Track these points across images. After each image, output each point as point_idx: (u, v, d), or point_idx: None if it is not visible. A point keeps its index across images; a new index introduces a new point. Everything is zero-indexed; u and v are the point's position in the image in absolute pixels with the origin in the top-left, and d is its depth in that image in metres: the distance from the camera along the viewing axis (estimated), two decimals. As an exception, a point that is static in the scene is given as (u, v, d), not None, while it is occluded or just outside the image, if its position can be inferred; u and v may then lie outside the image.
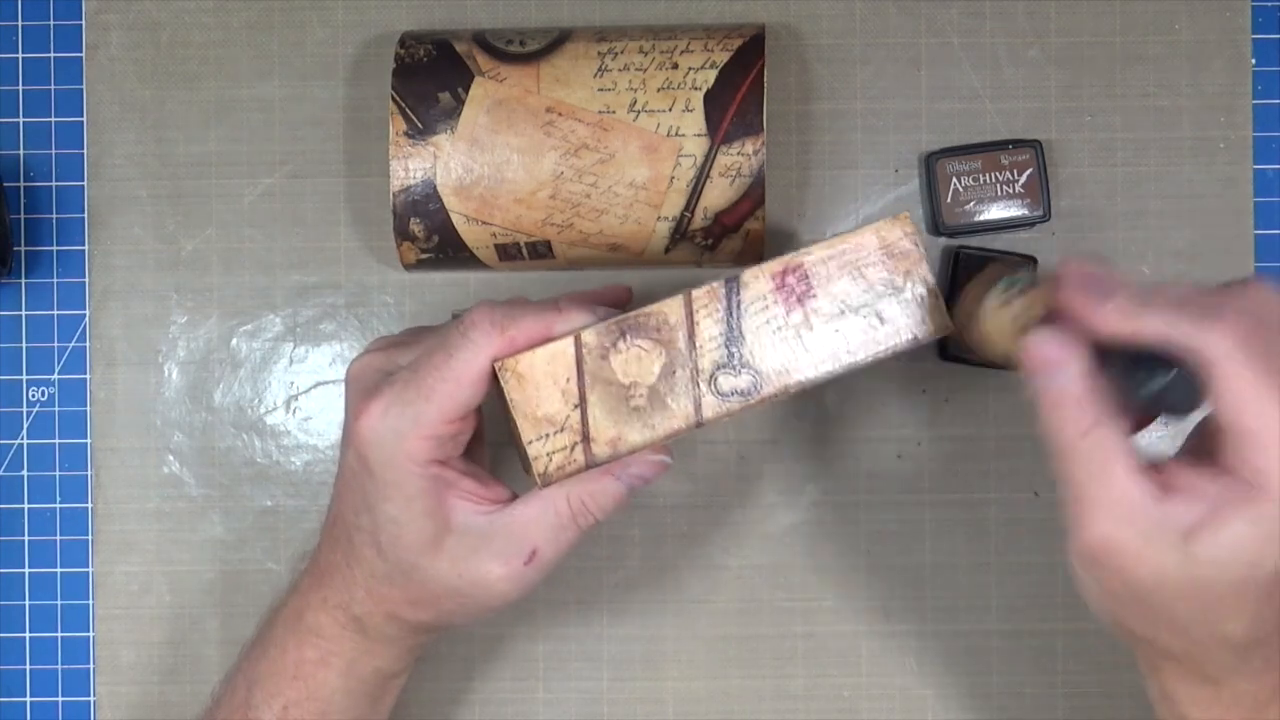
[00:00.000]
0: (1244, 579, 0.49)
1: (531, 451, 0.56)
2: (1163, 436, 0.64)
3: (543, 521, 0.57)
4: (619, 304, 0.58)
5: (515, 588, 0.57)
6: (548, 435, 0.55)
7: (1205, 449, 0.51)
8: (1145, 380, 0.51)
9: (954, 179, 0.69)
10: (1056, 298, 0.52)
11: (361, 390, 0.57)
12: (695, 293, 0.55)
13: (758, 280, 0.55)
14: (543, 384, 0.55)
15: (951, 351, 0.69)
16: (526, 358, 0.55)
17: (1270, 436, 0.48)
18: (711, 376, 0.56)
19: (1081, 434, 0.50)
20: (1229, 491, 0.49)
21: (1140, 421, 0.53)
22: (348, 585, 0.59)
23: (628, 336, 0.55)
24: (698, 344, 0.56)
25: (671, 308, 0.55)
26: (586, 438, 0.56)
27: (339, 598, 0.59)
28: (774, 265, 0.56)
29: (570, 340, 0.55)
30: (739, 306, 0.55)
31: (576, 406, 0.55)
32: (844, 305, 0.56)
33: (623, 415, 0.56)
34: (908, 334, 0.57)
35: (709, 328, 0.55)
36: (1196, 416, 0.52)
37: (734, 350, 0.56)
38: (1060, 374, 0.51)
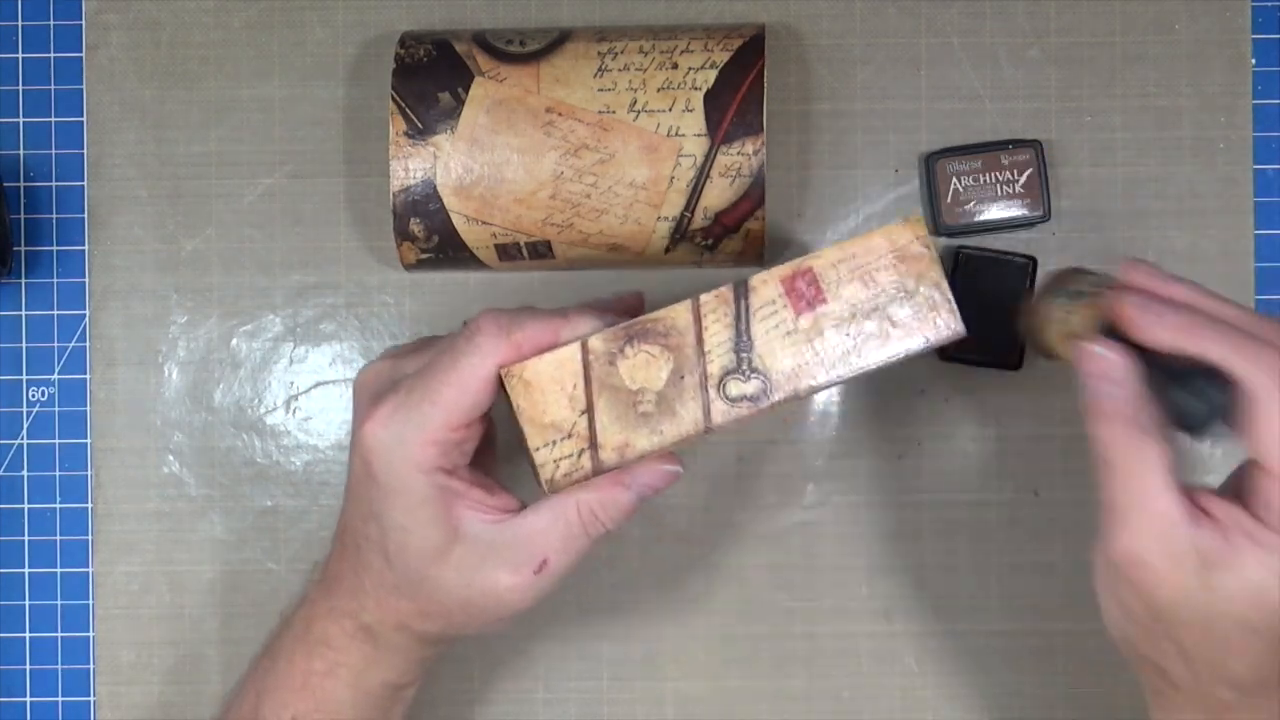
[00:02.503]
0: (1251, 617, 0.50)
1: (538, 458, 0.55)
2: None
3: (553, 531, 0.56)
4: (632, 312, 0.57)
5: (525, 598, 0.57)
6: (554, 442, 0.55)
7: (1242, 486, 0.52)
8: (1175, 392, 0.51)
9: (954, 179, 0.69)
10: (1114, 309, 0.53)
11: (368, 397, 0.57)
12: (704, 297, 0.55)
13: (767, 285, 0.55)
14: (549, 390, 0.54)
15: (951, 351, 0.69)
16: (533, 364, 0.54)
17: None
18: (720, 382, 0.55)
19: (1128, 446, 0.51)
20: (1248, 527, 0.50)
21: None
22: (356, 594, 0.58)
23: (635, 342, 0.54)
24: (706, 349, 0.55)
25: (679, 313, 0.54)
26: (594, 444, 0.55)
27: (347, 606, 0.59)
28: (783, 270, 0.55)
29: (577, 346, 0.54)
30: (748, 311, 0.55)
31: (583, 413, 0.55)
32: (854, 309, 0.56)
33: (630, 421, 0.55)
34: (919, 338, 0.56)
35: (718, 333, 0.55)
36: (1213, 442, 0.53)
37: (743, 355, 0.55)
38: (1115, 386, 0.52)
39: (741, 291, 0.55)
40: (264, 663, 0.61)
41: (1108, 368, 0.52)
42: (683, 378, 0.55)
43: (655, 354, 0.54)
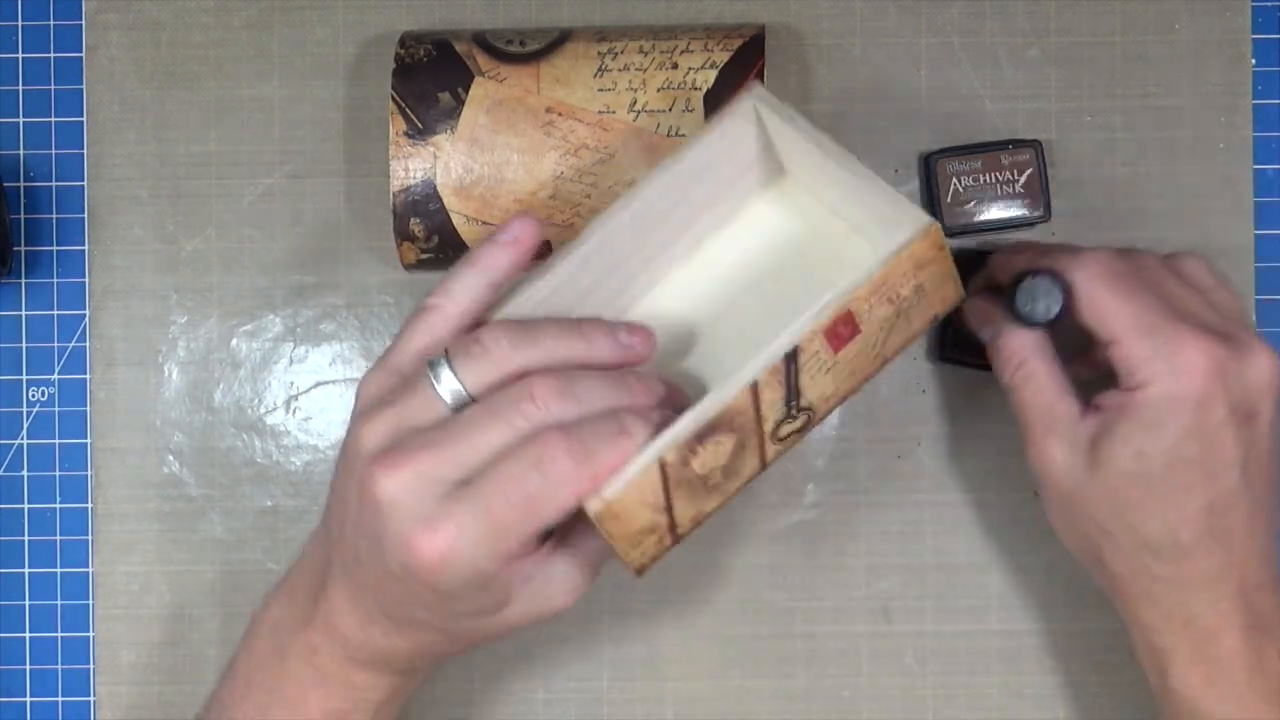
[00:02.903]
0: (1139, 473, 0.58)
1: (629, 560, 0.56)
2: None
3: (569, 579, 0.57)
4: (678, 404, 0.57)
5: (571, 604, 0.58)
6: (640, 542, 0.56)
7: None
8: (1013, 291, 0.60)
9: (954, 179, 0.69)
10: (996, 266, 0.66)
11: (375, 445, 0.54)
12: (760, 379, 0.55)
13: (812, 341, 0.55)
14: (635, 511, 0.55)
15: (950, 353, 0.69)
16: (618, 498, 0.54)
17: (1132, 332, 0.57)
18: (774, 431, 0.57)
19: (1015, 368, 0.61)
20: (1118, 397, 0.58)
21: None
22: (364, 628, 0.57)
23: (704, 438, 0.54)
24: (763, 415, 0.56)
25: (740, 398, 0.54)
26: (673, 527, 0.56)
27: (357, 641, 0.58)
28: (824, 321, 0.55)
29: (655, 467, 0.54)
30: (796, 371, 0.56)
31: (664, 511, 0.55)
32: (883, 326, 0.57)
33: (701, 496, 0.56)
34: (930, 315, 0.59)
35: (772, 400, 0.56)
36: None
37: (791, 404, 0.57)
38: (988, 326, 0.63)
39: (791, 360, 0.55)
40: (258, 695, 0.60)
41: (980, 315, 0.64)
42: (744, 446, 0.56)
43: (721, 440, 0.55)
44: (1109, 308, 0.58)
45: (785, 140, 0.60)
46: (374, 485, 0.53)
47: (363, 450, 0.54)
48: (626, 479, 0.53)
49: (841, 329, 0.55)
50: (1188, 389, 0.57)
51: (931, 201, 0.70)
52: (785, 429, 0.57)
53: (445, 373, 0.54)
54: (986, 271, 0.67)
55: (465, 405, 0.54)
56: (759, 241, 0.63)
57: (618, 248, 0.58)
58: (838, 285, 0.55)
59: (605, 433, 0.53)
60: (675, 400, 0.57)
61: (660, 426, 0.54)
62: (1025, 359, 0.61)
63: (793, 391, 0.56)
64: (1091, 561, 0.62)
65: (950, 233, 0.70)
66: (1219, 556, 0.58)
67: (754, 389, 0.54)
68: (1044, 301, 0.59)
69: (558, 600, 0.57)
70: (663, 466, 0.54)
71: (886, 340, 0.58)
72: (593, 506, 0.53)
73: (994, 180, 0.69)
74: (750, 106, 0.58)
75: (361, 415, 0.56)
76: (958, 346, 0.69)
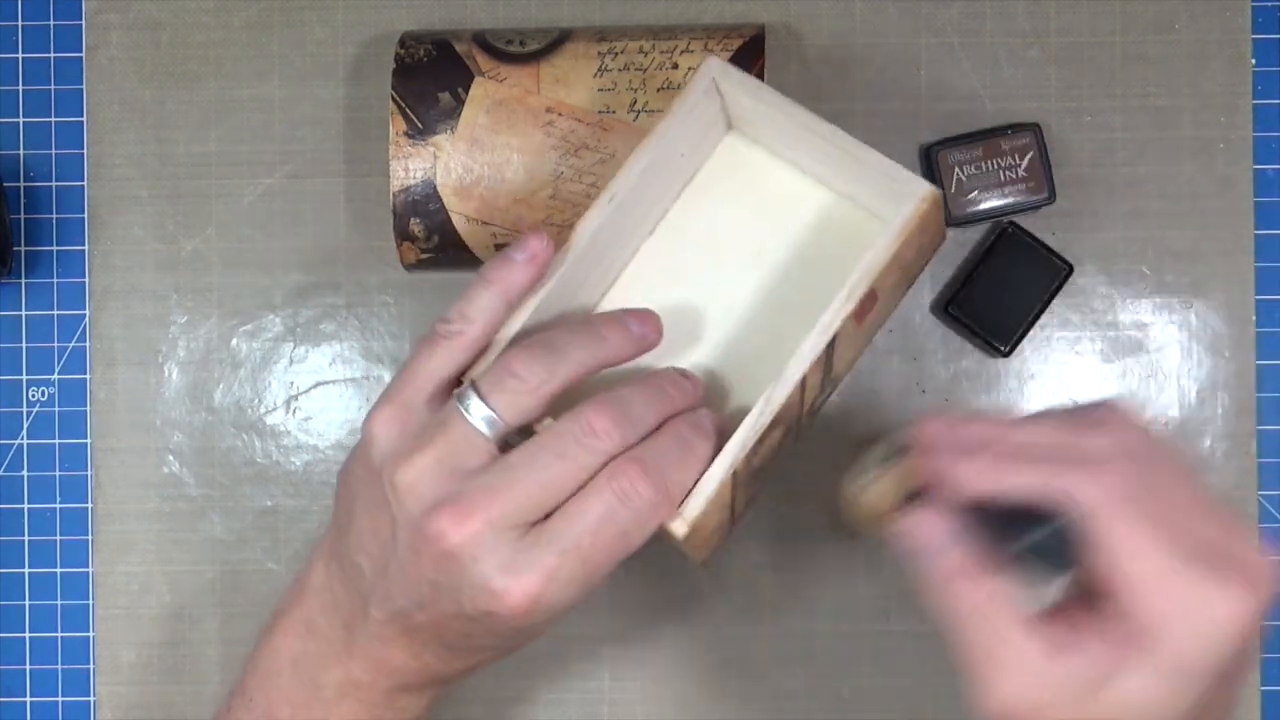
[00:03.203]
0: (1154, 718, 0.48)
1: (697, 558, 0.57)
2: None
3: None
4: (697, 399, 0.57)
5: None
6: (709, 540, 0.57)
7: (1087, 595, 0.50)
8: (1022, 535, 0.49)
9: (956, 169, 0.69)
10: (921, 467, 0.51)
11: (428, 496, 0.53)
12: (808, 376, 0.55)
13: (846, 325, 0.56)
14: (710, 519, 0.55)
15: (952, 310, 0.69)
16: (699, 517, 0.54)
17: (1157, 583, 0.47)
18: (811, 407, 0.58)
19: (973, 603, 0.50)
20: (1126, 642, 0.48)
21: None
22: (413, 655, 0.57)
23: (764, 440, 0.55)
24: (805, 399, 0.57)
25: (791, 394, 0.55)
26: (734, 517, 0.58)
27: (406, 669, 0.57)
28: (853, 304, 0.55)
29: (728, 480, 0.55)
30: (831, 353, 0.56)
31: (729, 507, 0.57)
32: (894, 287, 0.58)
33: (753, 483, 0.58)
34: (924, 262, 0.60)
35: (813, 383, 0.57)
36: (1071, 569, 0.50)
37: (826, 380, 0.58)
38: (938, 552, 0.50)
39: (830, 346, 0.56)
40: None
41: (927, 536, 0.51)
42: (789, 430, 0.57)
43: (775, 433, 0.56)
44: (1130, 552, 0.48)
45: (749, 116, 0.60)
46: (442, 539, 0.52)
47: (411, 502, 0.53)
48: (706, 497, 0.54)
49: (866, 304, 0.56)
50: (1221, 652, 0.48)
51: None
52: (818, 402, 0.59)
53: (477, 404, 0.53)
54: (913, 464, 0.52)
55: (504, 434, 0.54)
56: (719, 202, 0.62)
57: (602, 241, 0.59)
58: (860, 265, 0.55)
59: (673, 452, 0.54)
60: (696, 382, 0.58)
61: (706, 427, 0.55)
62: (991, 591, 0.50)
63: (828, 369, 0.57)
64: None
65: (957, 222, 0.70)
66: None
67: (802, 380, 0.55)
68: (1059, 556, 0.48)
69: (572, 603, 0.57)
70: (733, 475, 0.55)
71: (892, 298, 0.59)
72: (679, 530, 0.54)
73: (996, 166, 0.69)
74: (710, 82, 0.59)
75: (393, 458, 0.54)
76: (962, 306, 0.69)
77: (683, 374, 0.57)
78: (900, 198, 0.56)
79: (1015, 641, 0.49)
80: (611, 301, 0.62)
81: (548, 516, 0.53)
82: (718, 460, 0.54)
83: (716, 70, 0.58)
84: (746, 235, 0.61)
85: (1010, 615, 0.49)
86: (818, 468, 0.71)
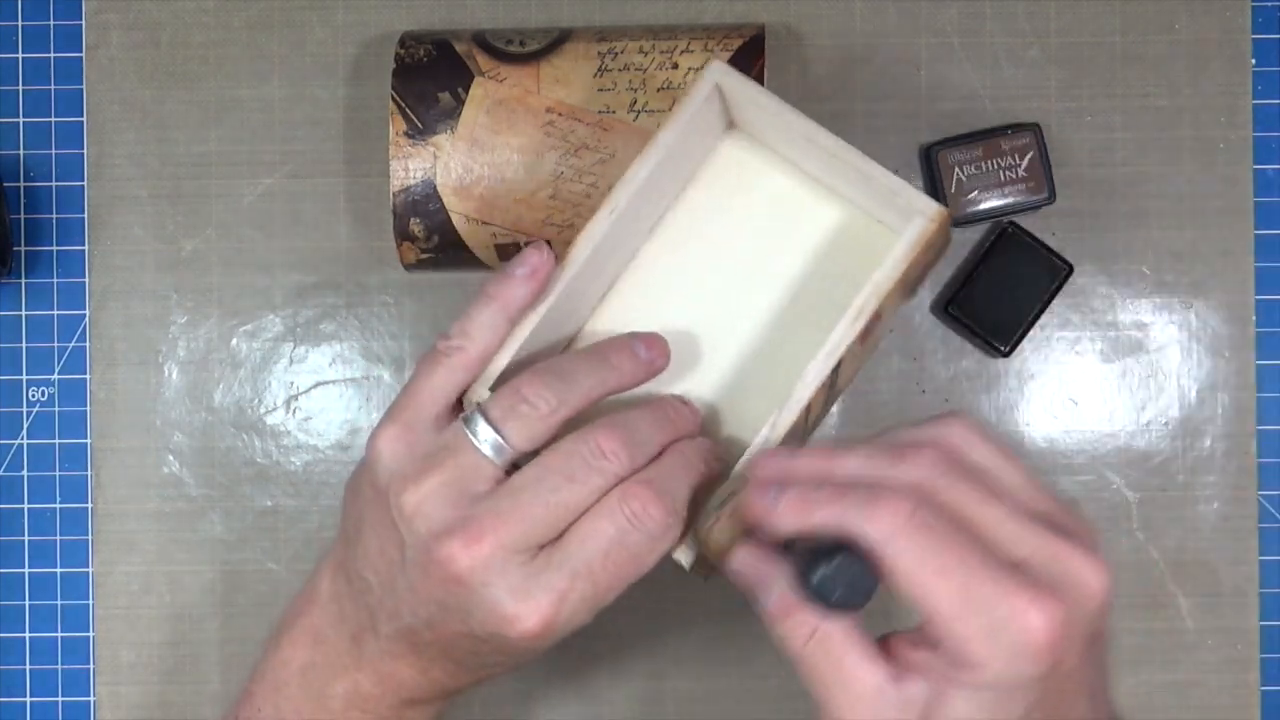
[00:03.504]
0: None
1: (705, 574, 0.57)
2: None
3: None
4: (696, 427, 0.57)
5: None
6: (713, 560, 0.57)
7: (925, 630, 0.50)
8: (811, 571, 0.49)
9: (956, 169, 0.69)
10: (746, 506, 0.51)
11: (440, 521, 0.53)
12: (814, 396, 0.55)
13: (851, 347, 0.56)
14: (718, 545, 0.55)
15: (951, 309, 0.69)
16: (708, 545, 0.54)
17: (955, 609, 0.47)
18: (813, 423, 0.58)
19: (807, 637, 0.50)
20: (945, 667, 0.48)
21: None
22: (420, 668, 0.57)
23: None
24: (810, 418, 0.57)
25: (798, 419, 0.55)
26: (743, 534, 0.58)
27: (410, 685, 0.57)
28: (859, 325, 0.55)
29: (734, 510, 0.54)
30: (836, 374, 0.56)
31: (738, 528, 0.56)
32: (896, 303, 0.58)
33: None
34: (925, 274, 0.60)
35: (817, 403, 0.57)
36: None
37: (829, 398, 0.58)
38: (764, 588, 0.51)
39: (834, 368, 0.55)
40: None
41: (752, 574, 0.51)
42: (794, 445, 0.57)
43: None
44: (925, 582, 0.47)
45: (752, 118, 0.60)
46: (451, 563, 0.52)
47: (419, 525, 0.53)
48: (715, 530, 0.53)
49: (872, 324, 0.56)
50: (1033, 667, 0.47)
51: (935, 193, 0.69)
52: (819, 419, 0.59)
53: (485, 429, 0.53)
54: (740, 504, 0.52)
55: (512, 460, 0.54)
56: (718, 204, 0.62)
57: (604, 251, 0.58)
58: (868, 287, 0.55)
59: (681, 475, 0.54)
60: (694, 409, 0.58)
61: (706, 451, 0.55)
62: (817, 625, 0.50)
63: (832, 389, 0.57)
64: None
65: (957, 223, 0.70)
66: None
67: (807, 407, 0.55)
68: (847, 590, 0.48)
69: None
70: (737, 506, 0.54)
71: (893, 311, 0.58)
72: (685, 560, 0.54)
73: (996, 167, 0.69)
74: (713, 86, 0.58)
75: (400, 479, 0.54)
76: (961, 306, 0.69)
77: (683, 401, 0.57)
78: (906, 214, 0.56)
79: (854, 673, 0.49)
80: (609, 308, 0.61)
81: (557, 539, 0.53)
82: (720, 492, 0.54)
83: (720, 74, 0.58)
84: (747, 240, 0.61)
85: (847, 645, 0.49)
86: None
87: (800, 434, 0.57)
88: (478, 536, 0.52)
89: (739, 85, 0.57)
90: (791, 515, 0.49)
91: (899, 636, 0.50)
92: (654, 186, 0.59)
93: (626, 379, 0.56)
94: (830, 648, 0.50)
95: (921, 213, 0.55)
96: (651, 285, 0.61)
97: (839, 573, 0.48)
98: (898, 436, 0.51)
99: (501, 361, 0.56)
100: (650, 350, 0.57)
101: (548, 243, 0.57)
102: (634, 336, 0.57)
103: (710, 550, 0.54)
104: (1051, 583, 0.47)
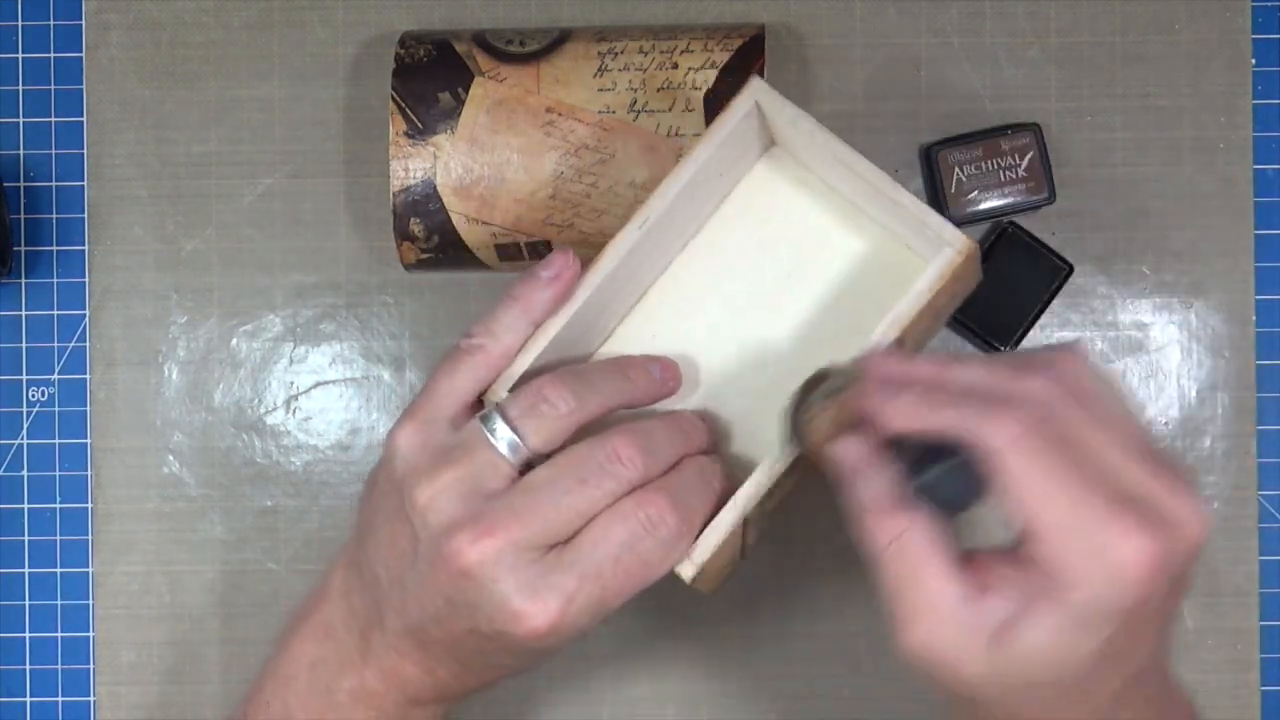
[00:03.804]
0: (1060, 669, 0.49)
1: (706, 589, 0.57)
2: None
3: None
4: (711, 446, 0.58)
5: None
6: (718, 575, 0.57)
7: (1018, 545, 0.50)
8: (920, 473, 0.49)
9: (956, 169, 0.69)
10: (857, 403, 0.51)
11: (452, 515, 0.53)
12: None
13: None
14: (720, 559, 0.56)
15: (953, 313, 0.69)
16: (710, 559, 0.54)
17: (1062, 528, 0.47)
18: (822, 443, 0.58)
19: (890, 540, 0.50)
20: (1033, 586, 0.48)
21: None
22: (424, 665, 0.57)
23: (778, 484, 0.55)
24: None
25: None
26: (743, 553, 0.59)
27: (415, 681, 0.57)
28: (881, 349, 0.55)
29: (739, 526, 0.55)
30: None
31: (739, 546, 0.57)
32: (922, 333, 0.58)
33: (765, 520, 0.58)
34: (955, 307, 0.60)
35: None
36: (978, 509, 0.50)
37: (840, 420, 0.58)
38: (864, 481, 0.51)
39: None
40: None
41: (854, 463, 0.51)
42: (804, 473, 0.57)
43: (790, 478, 0.56)
44: (1035, 496, 0.47)
45: (789, 137, 0.60)
46: (460, 557, 0.52)
47: (431, 518, 0.53)
48: (715, 544, 0.54)
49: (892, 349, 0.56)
50: (1124, 597, 0.47)
51: (935, 193, 0.69)
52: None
53: (502, 428, 0.54)
54: (850, 398, 0.52)
55: (527, 460, 0.54)
56: (756, 220, 0.62)
57: (633, 262, 0.59)
58: (889, 315, 0.55)
59: (696, 487, 0.54)
60: (710, 423, 0.59)
61: (719, 469, 0.56)
62: (906, 528, 0.50)
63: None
64: None
65: (957, 222, 0.69)
66: (1129, 712, 0.52)
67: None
68: (958, 494, 0.49)
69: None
70: (745, 524, 0.55)
71: (920, 342, 0.59)
72: (686, 572, 0.54)
73: (996, 167, 0.69)
74: (753, 105, 0.58)
75: (415, 473, 0.54)
76: (961, 309, 0.69)
77: (700, 417, 0.58)
78: (934, 244, 0.55)
79: (931, 583, 0.49)
80: (635, 319, 0.62)
81: (568, 540, 0.53)
82: (729, 506, 0.54)
83: (760, 92, 0.57)
84: (779, 259, 0.61)
85: (928, 555, 0.49)
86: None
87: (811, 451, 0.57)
88: (488, 531, 0.52)
89: (776, 104, 0.57)
90: (910, 414, 0.50)
91: (986, 554, 0.50)
92: (688, 201, 0.59)
93: (640, 394, 0.57)
94: (912, 552, 0.49)
95: (950, 244, 0.55)
96: (681, 299, 0.61)
97: (949, 474, 0.49)
98: (1015, 357, 0.51)
99: (523, 364, 0.56)
100: (664, 371, 0.58)
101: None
102: (648, 357, 0.58)
103: (809, 440, 0.53)
104: (1155, 517, 0.47)
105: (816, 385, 0.55)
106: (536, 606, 0.52)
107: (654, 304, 0.62)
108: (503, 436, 0.53)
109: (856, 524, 0.51)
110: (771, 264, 0.61)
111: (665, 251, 0.61)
